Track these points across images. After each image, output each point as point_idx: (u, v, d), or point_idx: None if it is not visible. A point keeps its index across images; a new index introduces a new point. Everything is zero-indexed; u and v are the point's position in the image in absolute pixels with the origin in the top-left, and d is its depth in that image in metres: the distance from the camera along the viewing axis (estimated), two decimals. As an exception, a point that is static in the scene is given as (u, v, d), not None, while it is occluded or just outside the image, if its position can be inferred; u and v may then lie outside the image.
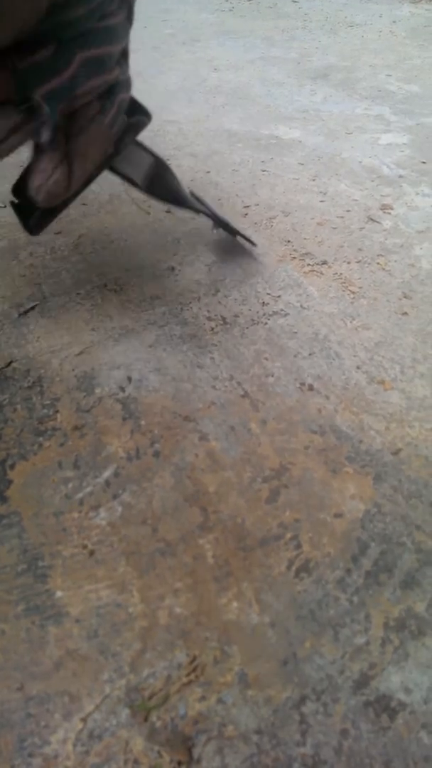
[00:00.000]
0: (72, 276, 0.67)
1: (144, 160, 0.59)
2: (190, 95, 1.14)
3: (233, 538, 0.41)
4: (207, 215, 0.67)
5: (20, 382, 0.53)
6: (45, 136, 0.43)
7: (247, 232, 0.70)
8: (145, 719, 0.32)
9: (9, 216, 0.76)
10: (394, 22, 1.62)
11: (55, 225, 0.74)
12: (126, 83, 0.49)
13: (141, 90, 1.14)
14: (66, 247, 0.71)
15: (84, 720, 0.33)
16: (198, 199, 0.67)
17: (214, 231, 0.71)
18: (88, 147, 0.48)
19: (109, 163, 0.54)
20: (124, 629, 0.36)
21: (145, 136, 0.96)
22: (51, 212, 0.54)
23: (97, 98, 0.46)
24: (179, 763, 0.30)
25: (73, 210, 0.78)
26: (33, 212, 0.53)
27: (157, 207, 0.80)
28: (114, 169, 0.56)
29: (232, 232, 0.69)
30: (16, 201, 0.53)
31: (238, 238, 0.69)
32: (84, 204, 0.80)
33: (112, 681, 0.34)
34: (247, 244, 0.70)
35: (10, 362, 0.55)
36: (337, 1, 1.85)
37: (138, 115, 0.54)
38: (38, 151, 0.46)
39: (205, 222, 0.74)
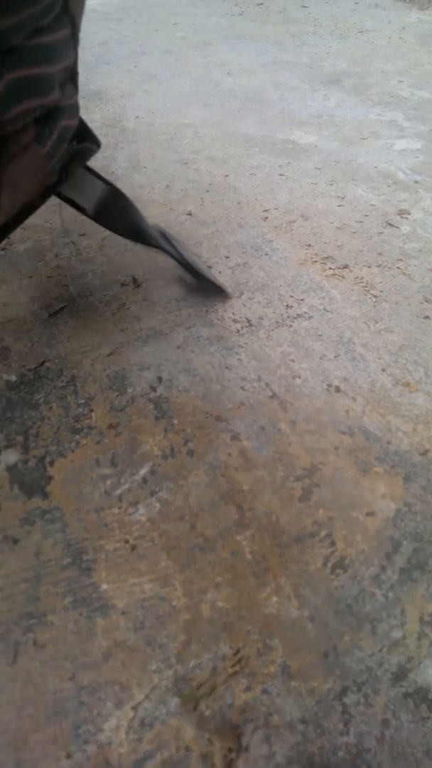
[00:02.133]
0: (98, 277, 0.68)
1: (95, 187, 0.56)
2: (204, 99, 1.16)
3: (269, 534, 0.42)
4: (172, 256, 0.64)
5: (54, 381, 0.54)
6: None
7: (217, 276, 0.67)
8: (194, 708, 0.34)
9: (32, 217, 0.77)
10: (403, 28, 1.63)
11: (79, 227, 0.76)
12: (71, 108, 0.46)
13: (156, 93, 1.16)
14: (91, 248, 0.72)
15: (135, 708, 0.34)
16: (166, 237, 0.63)
17: (178, 272, 0.67)
18: (20, 177, 0.43)
19: (52, 191, 0.51)
20: (169, 621, 0.38)
21: (161, 140, 0.97)
22: None
23: (33, 124, 0.42)
24: (229, 750, 0.32)
25: (95, 212, 0.80)
26: None
27: (178, 210, 0.81)
28: (59, 194, 0.54)
29: (198, 276, 0.64)
30: None
31: (205, 282, 0.65)
32: (106, 206, 0.81)
33: (160, 671, 0.35)
34: (214, 289, 0.65)
35: (44, 362, 0.56)
36: (345, 7, 1.86)
37: (87, 141, 0.51)
38: None
39: (221, 229, 0.76)
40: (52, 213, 0.80)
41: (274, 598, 0.39)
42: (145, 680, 0.35)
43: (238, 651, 0.36)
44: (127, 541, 0.42)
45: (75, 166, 0.51)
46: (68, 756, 0.32)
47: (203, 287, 0.65)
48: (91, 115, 1.09)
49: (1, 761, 0.32)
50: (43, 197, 0.49)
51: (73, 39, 0.42)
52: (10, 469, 0.47)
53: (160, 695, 0.34)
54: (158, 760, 0.32)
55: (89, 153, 0.51)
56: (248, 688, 0.34)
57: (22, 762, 0.32)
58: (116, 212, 0.58)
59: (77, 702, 0.34)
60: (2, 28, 0.35)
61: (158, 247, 0.62)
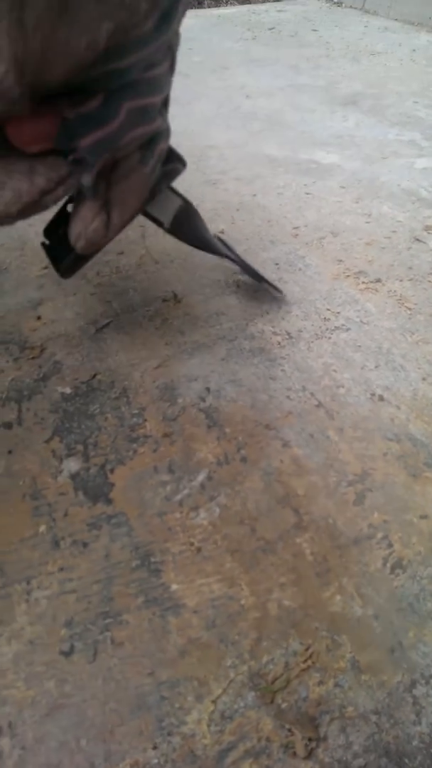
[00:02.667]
0: (139, 294, 0.70)
1: (173, 203, 0.60)
2: (227, 121, 1.19)
3: (327, 537, 0.44)
4: (234, 261, 0.67)
5: (107, 392, 0.56)
6: (87, 184, 0.43)
7: (273, 279, 0.70)
8: (271, 701, 0.35)
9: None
10: (414, 50, 1.68)
11: (116, 246, 0.79)
12: (166, 132, 0.49)
13: (179, 115, 1.19)
14: (130, 266, 0.75)
15: (214, 702, 0.35)
16: (226, 245, 0.67)
17: (241, 277, 0.71)
18: (127, 196, 0.48)
19: (143, 208, 0.54)
20: (239, 620, 0.39)
21: (189, 161, 1.00)
22: (84, 257, 0.54)
23: (138, 148, 0.46)
24: (310, 739, 0.33)
25: (131, 232, 0.83)
26: (65, 255, 0.53)
27: (210, 229, 0.84)
28: (144, 212, 0.57)
29: (258, 278, 0.69)
30: (47, 243, 0.54)
31: (264, 285, 0.69)
32: (141, 226, 0.84)
33: (235, 667, 0.37)
34: (273, 291, 0.69)
35: (95, 374, 0.59)
36: (356, 30, 1.91)
37: (173, 162, 0.54)
38: (79, 198, 0.46)
39: (254, 246, 0.78)
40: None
41: (338, 597, 0.40)
42: (221, 675, 0.36)
43: (308, 647, 0.37)
44: (191, 544, 0.44)
45: (163, 185, 0.54)
46: (155, 747, 0.33)
47: (260, 290, 0.68)
48: (118, 138, 1.12)
49: (92, 752, 0.33)
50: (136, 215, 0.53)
51: (171, 71, 0.45)
52: (74, 476, 0.48)
53: (237, 689, 0.36)
54: (241, 750, 0.33)
55: (177, 173, 0.55)
56: (321, 682, 0.36)
57: (111, 753, 0.33)
58: (190, 226, 0.62)
59: (158, 697, 0.36)
60: (126, 65, 0.39)
61: (223, 255, 0.65)
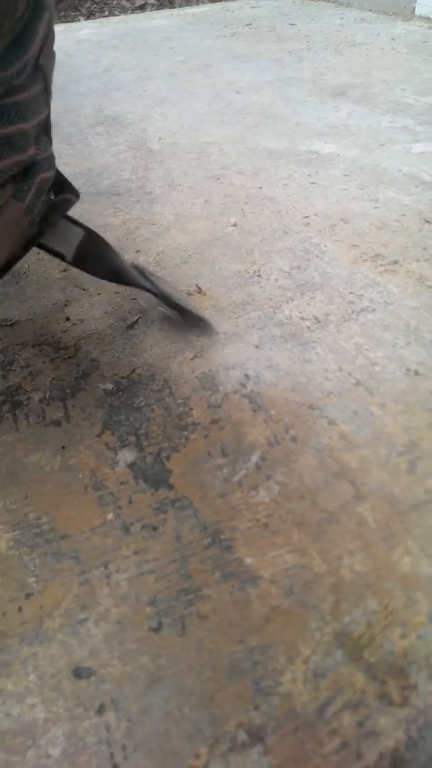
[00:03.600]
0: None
1: (74, 234, 0.56)
2: (220, 117, 1.21)
3: (387, 504, 0.46)
4: (151, 292, 0.63)
5: (149, 385, 0.58)
6: None
7: (202, 311, 0.66)
8: (359, 657, 0.37)
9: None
10: (393, 39, 1.70)
11: (132, 245, 0.80)
12: (47, 161, 0.45)
13: (172, 114, 1.21)
14: (148, 264, 0.76)
15: (305, 662, 0.37)
16: (143, 274, 0.63)
17: (160, 308, 0.67)
18: (1, 234, 0.43)
19: (33, 244, 0.51)
20: (315, 586, 0.41)
21: (189, 158, 1.02)
22: None
23: (11, 180, 0.41)
24: (403, 688, 0.35)
25: (144, 230, 0.84)
26: None
27: (222, 223, 0.85)
28: (46, 247, 0.54)
29: (179, 309, 0.64)
30: None
31: (188, 315, 0.64)
32: (152, 224, 0.85)
33: (319, 629, 0.39)
34: (198, 321, 0.65)
35: (134, 369, 0.60)
36: (332, 23, 1.94)
37: (65, 192, 0.51)
38: None
39: (268, 237, 0.80)
40: (103, 232, 0.84)
41: (406, 559, 0.42)
42: (308, 637, 0.38)
43: (386, 606, 0.39)
44: (257, 520, 0.45)
45: (54, 217, 0.50)
46: (256, 708, 0.35)
47: (186, 319, 0.64)
48: (115, 139, 1.14)
49: (196, 718, 0.35)
50: (24, 250, 0.49)
51: (46, 93, 0.42)
52: (131, 466, 0.50)
53: (325, 649, 0.38)
54: (339, 703, 0.35)
55: (68, 204, 0.51)
56: (404, 636, 0.38)
57: (215, 717, 0.35)
58: (97, 257, 0.58)
59: (251, 662, 0.37)
60: None
61: (140, 286, 0.61)
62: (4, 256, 0.45)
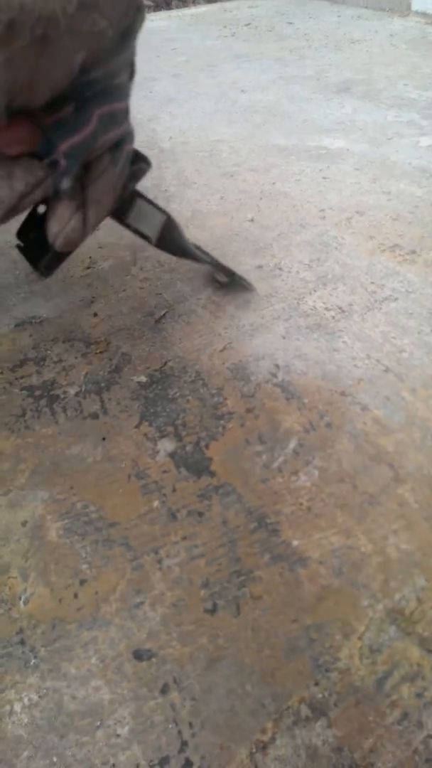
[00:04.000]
0: (186, 284, 0.73)
1: (157, 219, 0.62)
2: (228, 116, 1.22)
3: (426, 486, 0.47)
4: (211, 265, 0.69)
5: (182, 377, 0.59)
6: (65, 186, 0.45)
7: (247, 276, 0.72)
8: (412, 632, 0.38)
9: (107, 236, 0.82)
10: (391, 35, 1.72)
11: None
12: (131, 135, 0.51)
13: (180, 114, 1.22)
14: (171, 260, 0.77)
15: (360, 638, 0.38)
16: (202, 251, 0.70)
17: (218, 278, 0.72)
18: (102, 195, 0.50)
19: (115, 207, 0.56)
20: (363, 565, 0.42)
21: (201, 156, 1.03)
22: (62, 255, 0.55)
23: (108, 150, 0.48)
24: (459, 660, 0.36)
25: (163, 226, 0.85)
26: (41, 255, 0.55)
27: (239, 218, 0.86)
28: (129, 226, 0.59)
29: (234, 277, 0.71)
30: (21, 245, 0.56)
31: (238, 280, 0.71)
32: (170, 220, 0.86)
33: (371, 606, 0.39)
34: (248, 286, 0.71)
35: (166, 362, 0.61)
36: (330, 21, 1.95)
37: (139, 162, 0.56)
38: (55, 199, 0.48)
39: (286, 231, 0.81)
40: (122, 230, 0.85)
41: (450, 537, 0.43)
42: (360, 615, 0.39)
43: (435, 582, 0.40)
44: (300, 504, 0.46)
45: (132, 185, 0.56)
46: (316, 684, 0.36)
47: (233, 284, 0.71)
48: (126, 140, 1.14)
49: (259, 695, 0.36)
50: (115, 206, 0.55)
51: (131, 78, 0.48)
52: (172, 455, 0.51)
53: (378, 625, 0.38)
54: (396, 677, 0.36)
55: (143, 172, 0.57)
56: (455, 611, 0.39)
57: (277, 693, 0.36)
58: (173, 239, 0.64)
59: (308, 639, 0.38)
60: (98, 75, 0.42)
61: (203, 260, 0.68)
62: (104, 214, 0.51)
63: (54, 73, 0.38)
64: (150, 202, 0.60)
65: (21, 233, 0.55)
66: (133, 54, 0.47)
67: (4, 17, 0.33)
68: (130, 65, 0.47)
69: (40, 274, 0.56)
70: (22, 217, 0.52)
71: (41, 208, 0.52)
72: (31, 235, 0.54)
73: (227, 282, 0.71)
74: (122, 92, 0.46)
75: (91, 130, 0.43)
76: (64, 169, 0.43)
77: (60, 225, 0.48)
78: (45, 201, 0.48)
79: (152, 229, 0.61)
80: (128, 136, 0.50)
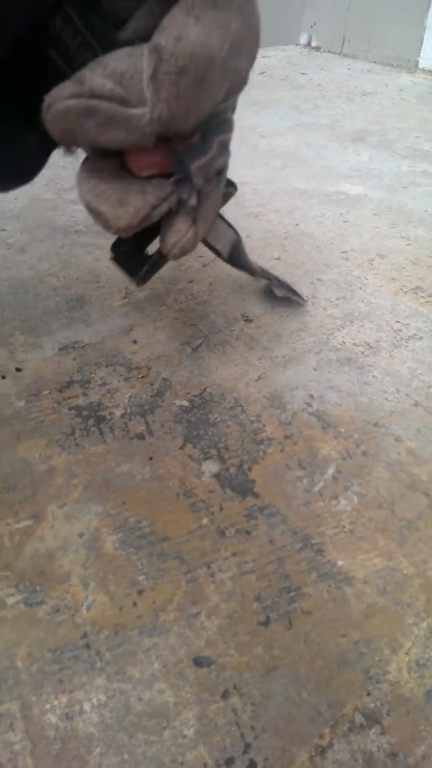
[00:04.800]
0: (219, 316, 0.76)
1: (228, 235, 0.69)
2: (249, 159, 1.28)
3: (460, 513, 0.50)
4: (270, 280, 0.78)
5: (221, 403, 0.62)
6: (192, 201, 0.51)
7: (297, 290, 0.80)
8: (456, 648, 0.40)
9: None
10: (401, 90, 1.81)
11: (185, 275, 0.85)
12: (227, 163, 0.58)
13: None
14: (203, 293, 0.81)
15: (407, 653, 0.40)
16: (263, 269, 0.78)
17: (276, 292, 0.78)
18: (209, 211, 0.56)
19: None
20: (406, 586, 0.44)
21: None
22: (156, 267, 0.61)
23: (215, 174, 0.55)
24: None
25: (194, 262, 0.89)
26: (137, 267, 0.60)
27: (266, 256, 0.91)
28: (206, 242, 0.66)
29: (288, 289, 0.79)
30: (115, 257, 0.60)
31: (295, 297, 0.78)
32: (200, 256, 0.90)
33: (416, 624, 0.42)
34: (300, 300, 0.79)
35: (205, 389, 0.64)
36: (341, 73, 2.05)
37: (228, 186, 0.63)
38: (173, 214, 0.53)
39: (311, 269, 0.85)
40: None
41: None
42: (406, 632, 0.42)
43: (474, 603, 0.43)
44: (343, 527, 0.49)
45: (223, 204, 0.63)
46: (368, 694, 0.38)
47: (288, 297, 0.78)
48: (153, 177, 1.20)
49: (315, 702, 0.38)
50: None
51: (233, 112, 0.55)
52: (217, 476, 0.54)
53: (424, 642, 0.41)
54: (444, 689, 0.38)
55: (231, 195, 0.65)
56: None
57: (332, 702, 0.38)
58: (241, 256, 0.71)
59: (358, 653, 0.40)
60: (221, 109, 0.49)
61: (265, 277, 0.76)
62: (208, 228, 0.57)
63: (203, 106, 0.44)
64: (225, 221, 0.67)
65: (115, 246, 0.60)
66: None
67: (180, 63, 0.40)
68: (234, 100, 0.54)
69: (136, 283, 0.61)
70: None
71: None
72: (124, 248, 0.60)
73: (283, 296, 0.78)
74: (232, 124, 0.53)
75: (212, 155, 0.50)
76: (193, 186, 0.50)
77: (177, 236, 0.53)
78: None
79: (224, 246, 0.68)
80: (227, 164, 0.57)
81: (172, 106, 0.42)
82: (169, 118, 0.43)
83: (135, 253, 0.59)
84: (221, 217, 0.66)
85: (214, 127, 0.50)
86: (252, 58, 0.47)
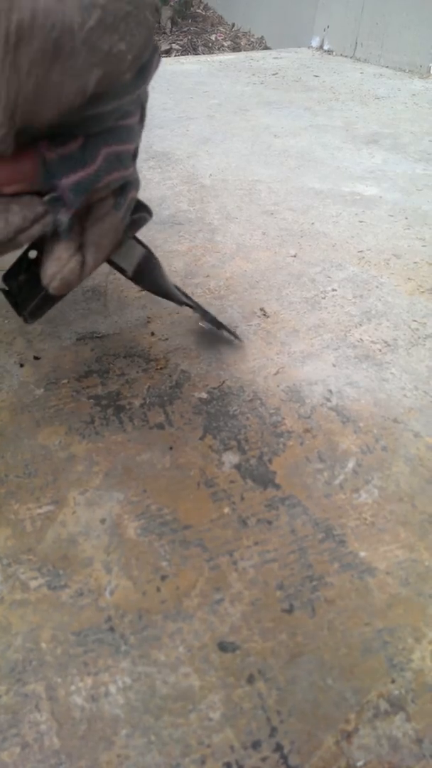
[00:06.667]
0: (236, 311, 0.77)
1: (136, 252, 0.60)
2: (263, 158, 1.28)
3: None
4: (192, 308, 0.69)
5: (240, 396, 0.62)
6: (65, 225, 0.43)
7: (233, 328, 0.72)
8: None
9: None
10: (413, 95, 1.82)
11: (202, 270, 0.85)
12: (136, 182, 0.50)
13: (218, 153, 1.28)
14: (219, 288, 0.81)
15: (431, 643, 0.40)
16: (184, 294, 0.70)
17: (201, 324, 0.69)
18: (102, 238, 0.48)
19: (114, 252, 0.54)
20: (428, 577, 0.45)
21: (241, 194, 1.08)
22: (52, 300, 0.52)
23: (112, 193, 0.47)
24: None
25: (210, 257, 0.89)
26: (27, 300, 0.52)
27: (282, 254, 0.91)
28: (109, 260, 0.58)
29: (217, 325, 0.69)
30: (5, 288, 0.53)
31: (222, 331, 0.70)
32: (216, 252, 0.91)
33: (439, 614, 0.42)
34: (230, 337, 0.70)
35: (224, 381, 0.64)
36: (353, 77, 2.06)
37: (141, 211, 0.55)
38: (53, 239, 0.46)
39: (327, 267, 0.86)
40: (171, 258, 0.89)
41: None
42: (429, 621, 0.42)
43: None
44: (364, 519, 0.49)
45: (130, 233, 0.55)
46: (393, 681, 0.38)
47: (217, 334, 0.70)
48: (168, 173, 1.20)
49: (340, 688, 0.38)
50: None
51: (141, 123, 0.48)
52: (237, 467, 0.54)
53: (447, 632, 0.41)
54: (468, 679, 0.38)
55: (144, 221, 0.56)
56: None
57: (357, 688, 0.38)
58: (151, 275, 0.63)
59: (381, 642, 0.41)
60: (108, 110, 0.41)
61: (183, 303, 0.67)
62: (102, 259, 0.49)
63: (65, 88, 0.36)
64: (134, 238, 0.59)
65: (7, 277, 0.53)
66: (145, 97, 0.46)
67: (13, 18, 0.31)
68: (142, 108, 0.46)
69: (24, 319, 0.52)
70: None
71: (32, 253, 0.51)
72: (21, 277, 0.52)
73: (210, 329, 0.69)
74: (131, 134, 0.45)
75: (95, 169, 0.42)
76: (65, 205, 0.42)
77: (58, 266, 0.46)
78: (42, 241, 0.46)
79: (129, 263, 0.60)
80: (134, 182, 0.49)
81: (22, 82, 0.34)
82: (22, 100, 0.35)
83: (30, 285, 0.50)
84: (133, 236, 0.58)
85: (101, 134, 0.42)
86: (140, 45, 0.38)
